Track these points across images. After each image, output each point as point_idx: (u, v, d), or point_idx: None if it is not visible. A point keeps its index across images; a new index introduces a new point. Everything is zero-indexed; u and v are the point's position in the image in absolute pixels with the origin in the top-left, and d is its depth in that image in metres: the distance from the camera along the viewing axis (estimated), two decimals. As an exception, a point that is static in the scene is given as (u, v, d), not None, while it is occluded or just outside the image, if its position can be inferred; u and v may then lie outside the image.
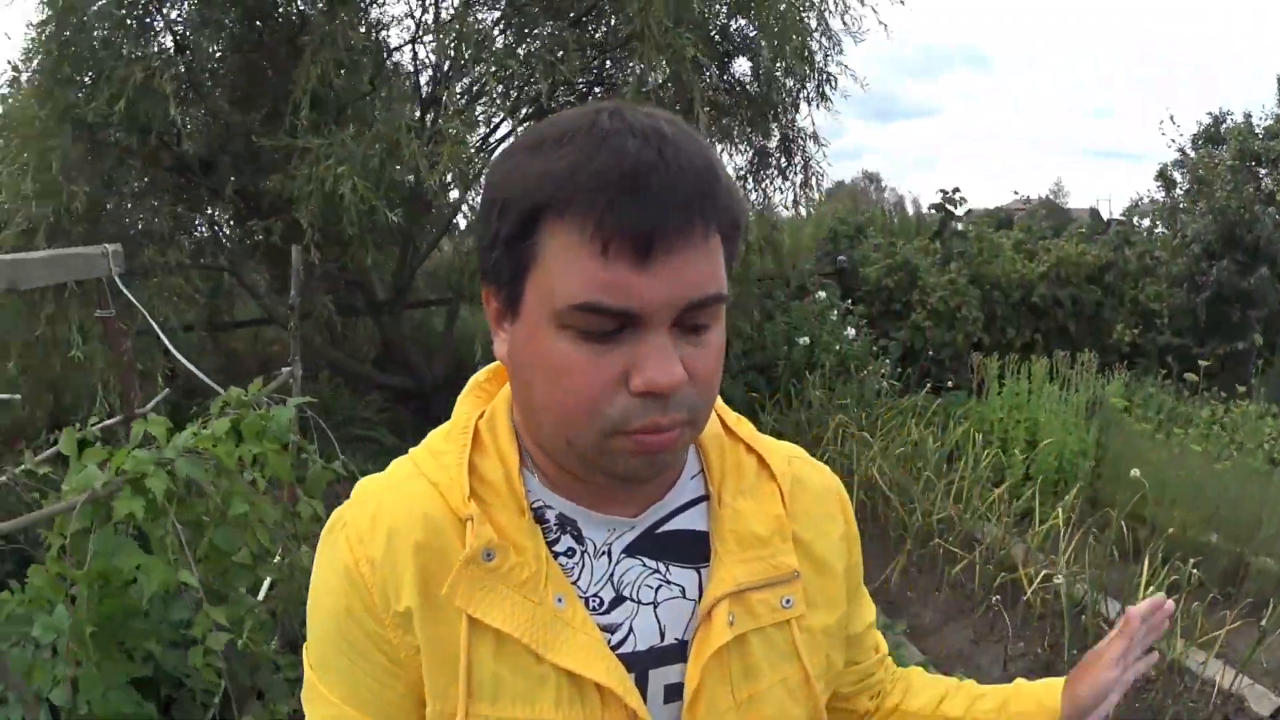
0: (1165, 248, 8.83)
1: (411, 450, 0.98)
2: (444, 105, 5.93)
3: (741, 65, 6.75)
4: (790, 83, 6.59)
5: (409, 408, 7.24)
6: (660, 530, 0.95)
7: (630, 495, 0.93)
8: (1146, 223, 10.26)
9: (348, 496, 0.97)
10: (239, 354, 7.81)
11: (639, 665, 0.91)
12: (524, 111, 6.11)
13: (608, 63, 6.76)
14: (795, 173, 7.17)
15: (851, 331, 6.92)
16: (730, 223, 0.82)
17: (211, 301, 7.16)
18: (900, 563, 4.69)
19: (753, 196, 7.22)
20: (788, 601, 0.95)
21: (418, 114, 6.47)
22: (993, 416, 6.00)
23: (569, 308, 0.78)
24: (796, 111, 6.83)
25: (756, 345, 6.98)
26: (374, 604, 0.88)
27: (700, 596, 0.93)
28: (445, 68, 6.24)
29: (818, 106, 6.85)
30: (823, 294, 7.36)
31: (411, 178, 5.48)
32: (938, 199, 8.74)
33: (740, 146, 7.19)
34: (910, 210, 15.37)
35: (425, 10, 6.42)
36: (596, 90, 6.90)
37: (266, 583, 2.96)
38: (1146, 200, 11.03)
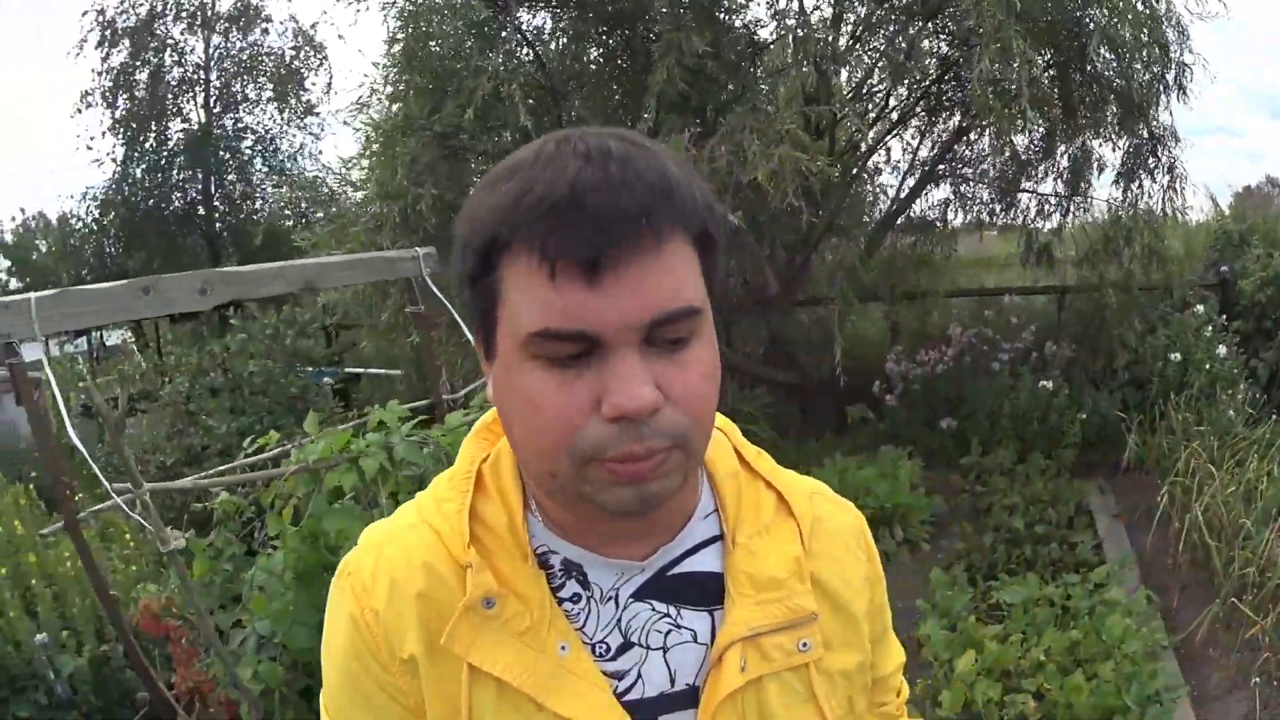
0: None
1: (417, 495, 0.98)
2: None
3: (1099, 59, 6.31)
4: (1147, 75, 6.11)
5: (794, 404, 7.36)
6: (671, 573, 0.92)
7: (638, 537, 0.90)
8: None
9: None
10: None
11: (648, 712, 0.89)
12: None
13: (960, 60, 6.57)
14: (1161, 173, 6.65)
15: (1223, 350, 6.28)
16: (699, 232, 0.80)
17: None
18: (1210, 615, 4.21)
19: (1128, 198, 6.83)
20: (804, 645, 0.92)
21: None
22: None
23: (528, 336, 0.77)
24: (1156, 107, 6.30)
25: (1137, 359, 6.59)
26: (380, 652, 0.89)
27: (713, 640, 0.91)
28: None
29: (1178, 99, 6.33)
30: (1200, 308, 6.75)
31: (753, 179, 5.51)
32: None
33: (1110, 144, 6.82)
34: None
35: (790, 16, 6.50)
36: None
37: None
38: None
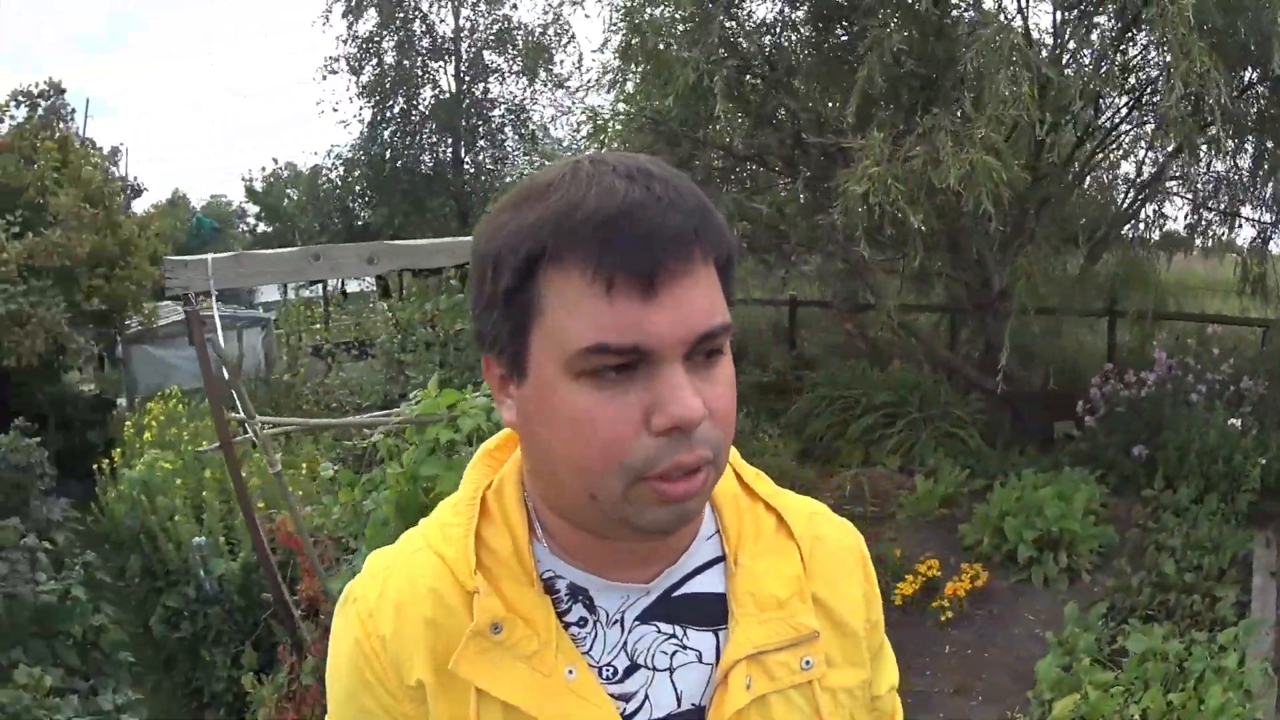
0: None
1: (422, 522, 0.99)
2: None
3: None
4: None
5: (1005, 414, 7.26)
6: (676, 594, 0.93)
7: (644, 560, 0.91)
8: None
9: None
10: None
11: None
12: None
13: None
14: None
15: None
16: (725, 255, 0.83)
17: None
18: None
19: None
20: (807, 663, 0.93)
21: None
22: None
23: (580, 351, 0.77)
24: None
25: None
26: (387, 678, 0.90)
27: (718, 660, 0.91)
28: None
29: None
30: None
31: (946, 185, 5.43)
32: None
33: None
34: None
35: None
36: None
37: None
38: None
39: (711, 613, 0.93)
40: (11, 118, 10.14)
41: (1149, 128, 6.97)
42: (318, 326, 12.76)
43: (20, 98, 10.63)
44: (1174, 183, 7.44)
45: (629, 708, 0.89)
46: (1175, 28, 4.70)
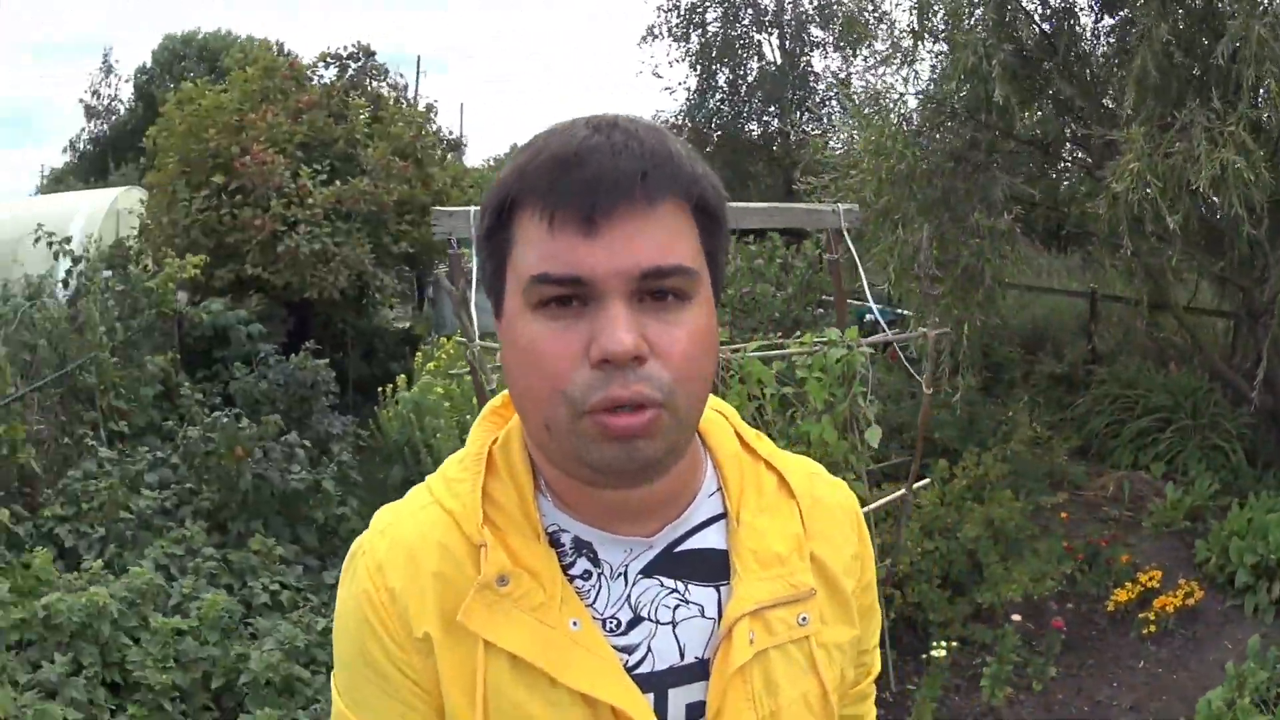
0: None
1: (428, 478, 1.01)
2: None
3: None
4: None
5: (1273, 431, 6.86)
6: (678, 549, 0.95)
7: (647, 514, 0.94)
8: None
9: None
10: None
11: (658, 685, 0.92)
12: None
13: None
14: None
15: None
16: (698, 203, 0.86)
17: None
18: None
19: None
20: (804, 619, 0.96)
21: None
22: None
23: (528, 280, 0.83)
24: None
25: None
26: (395, 631, 0.91)
27: (720, 615, 0.94)
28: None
29: None
30: None
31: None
32: None
33: None
34: None
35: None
36: None
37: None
38: None
39: (713, 568, 0.96)
40: (320, 77, 11.02)
41: None
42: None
43: (329, 59, 11.49)
44: None
45: (632, 660, 0.92)
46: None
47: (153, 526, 5.31)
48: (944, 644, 4.65)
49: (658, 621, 0.93)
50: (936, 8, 6.54)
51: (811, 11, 17.77)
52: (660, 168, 0.83)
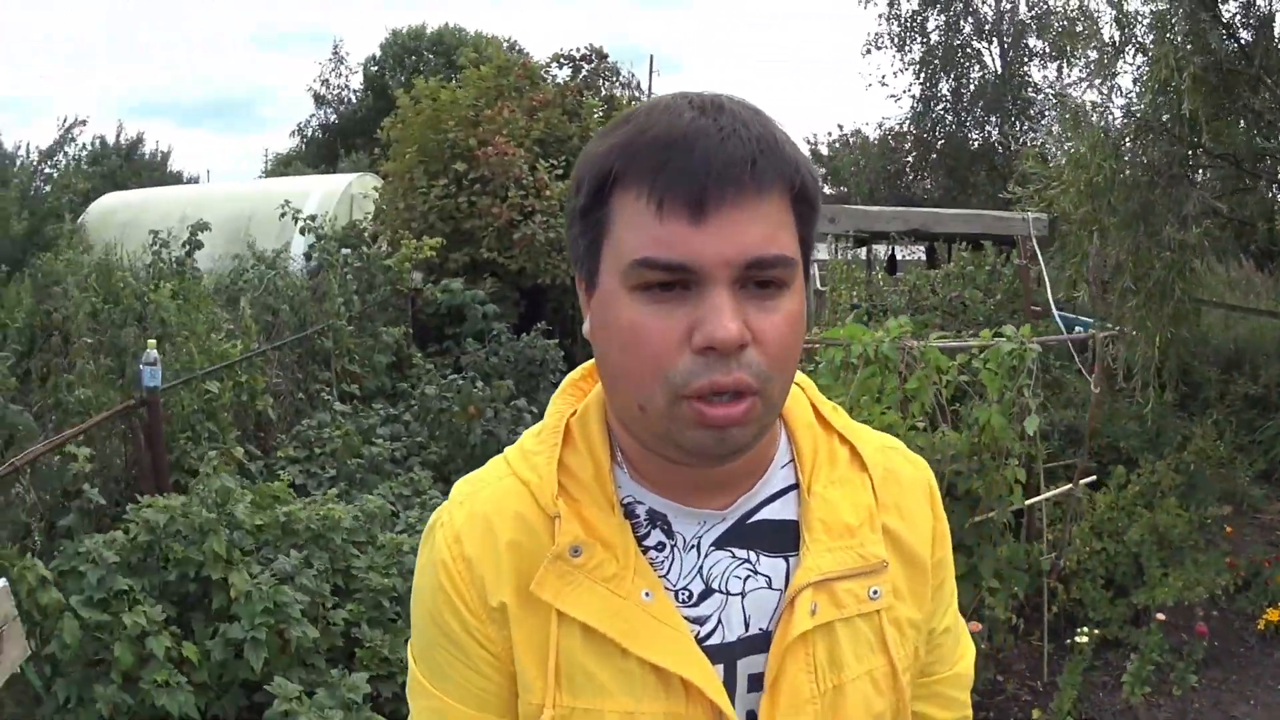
0: None
1: (506, 450, 1.01)
2: None
3: None
4: None
5: None
6: (750, 521, 0.95)
7: (721, 487, 0.94)
8: None
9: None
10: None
11: (728, 656, 0.92)
12: None
13: None
14: None
15: None
16: (799, 192, 0.85)
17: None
18: None
19: None
20: (875, 592, 0.95)
21: None
22: None
23: (631, 263, 0.82)
24: None
25: None
26: (470, 600, 0.92)
27: (786, 586, 0.93)
28: None
29: None
30: None
31: None
32: None
33: None
34: None
35: None
36: None
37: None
38: None
39: (784, 539, 0.95)
40: (553, 77, 11.44)
41: None
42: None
43: (561, 60, 11.82)
44: None
45: (703, 631, 0.92)
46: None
47: (382, 471, 5.74)
48: (1086, 630, 4.69)
49: (728, 593, 0.93)
50: (1141, 19, 6.72)
51: (1029, 21, 17.64)
52: (767, 155, 0.82)
